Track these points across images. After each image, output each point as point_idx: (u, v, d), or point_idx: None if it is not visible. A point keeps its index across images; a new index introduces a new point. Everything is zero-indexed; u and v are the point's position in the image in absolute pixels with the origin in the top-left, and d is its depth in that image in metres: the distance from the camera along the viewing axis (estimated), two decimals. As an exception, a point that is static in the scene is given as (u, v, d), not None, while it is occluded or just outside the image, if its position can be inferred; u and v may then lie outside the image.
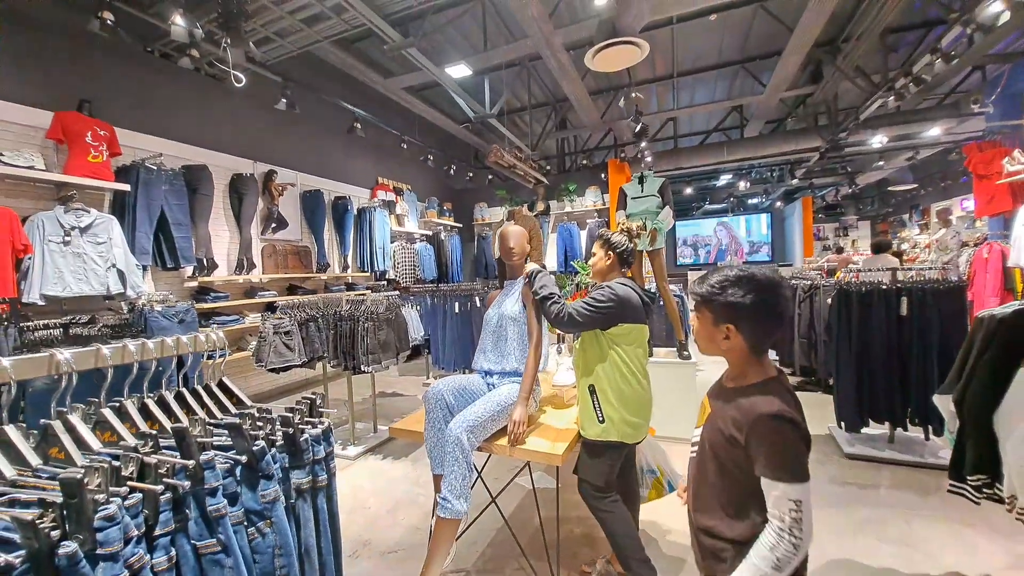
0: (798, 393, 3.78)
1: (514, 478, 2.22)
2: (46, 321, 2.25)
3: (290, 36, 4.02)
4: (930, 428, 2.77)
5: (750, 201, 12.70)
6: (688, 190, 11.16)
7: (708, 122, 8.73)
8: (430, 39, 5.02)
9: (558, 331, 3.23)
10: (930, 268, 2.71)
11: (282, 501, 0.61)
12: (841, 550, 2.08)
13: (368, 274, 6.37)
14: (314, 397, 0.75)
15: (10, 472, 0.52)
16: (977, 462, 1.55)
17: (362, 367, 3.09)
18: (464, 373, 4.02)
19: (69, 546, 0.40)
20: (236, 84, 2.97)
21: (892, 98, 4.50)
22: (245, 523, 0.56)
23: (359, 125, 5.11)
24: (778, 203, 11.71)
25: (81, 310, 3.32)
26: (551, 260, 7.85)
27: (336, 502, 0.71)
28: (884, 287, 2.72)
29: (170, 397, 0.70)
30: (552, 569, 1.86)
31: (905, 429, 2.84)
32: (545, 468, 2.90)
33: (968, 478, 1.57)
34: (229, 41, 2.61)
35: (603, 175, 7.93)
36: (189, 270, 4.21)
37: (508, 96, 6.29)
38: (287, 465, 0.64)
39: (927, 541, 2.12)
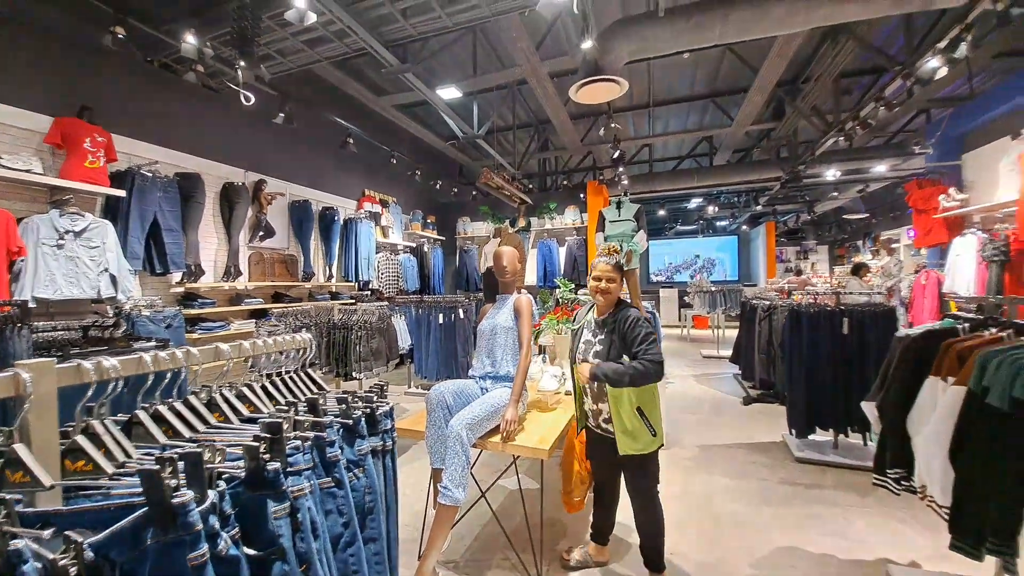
0: (758, 404, 4.16)
1: (500, 477, 2.42)
2: (57, 323, 2.32)
3: (291, 55, 4.19)
4: (868, 434, 3.12)
5: (719, 224, 13.38)
6: (661, 211, 11.71)
7: (681, 149, 9.26)
8: (424, 63, 5.26)
9: (542, 344, 3.46)
10: (869, 293, 3.07)
11: (370, 455, 0.82)
12: (786, 540, 2.35)
13: (352, 284, 6.47)
14: (383, 384, 0.95)
15: (204, 428, 0.70)
16: (894, 458, 1.84)
17: (354, 374, 3.23)
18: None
19: (275, 464, 0.59)
20: (245, 103, 3.12)
21: (842, 138, 5.00)
22: (347, 468, 0.76)
23: (351, 140, 5.27)
24: (744, 226, 12.40)
25: (68, 313, 3.35)
26: (531, 275, 8.11)
27: (396, 462, 0.92)
28: (829, 309, 3.07)
29: (279, 382, 0.90)
30: (536, 559, 2.05)
31: (847, 435, 3.17)
32: (527, 470, 3.10)
33: (888, 472, 1.87)
34: (243, 64, 2.77)
35: (582, 195, 8.30)
36: (177, 276, 4.25)
37: (494, 117, 6.58)
38: (366, 433, 0.84)
39: (862, 533, 2.42)
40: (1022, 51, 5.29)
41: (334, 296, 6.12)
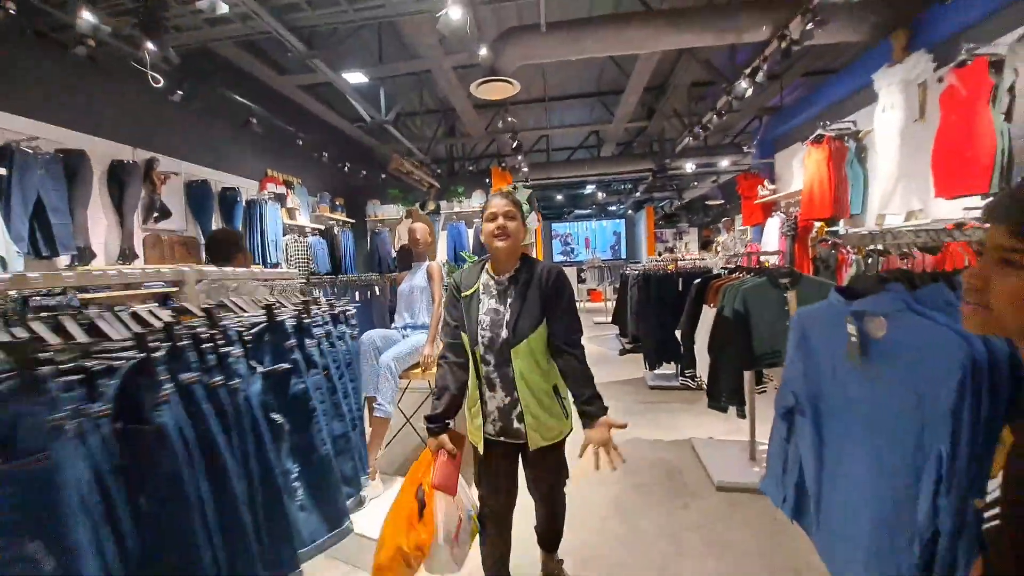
0: (630, 355, 5.36)
1: (421, 405, 2.99)
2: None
3: (188, 31, 4.15)
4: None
5: (610, 208, 14.99)
6: (559, 196, 12.84)
7: (575, 141, 10.30)
8: (331, 48, 5.39)
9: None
10: (693, 259, 4.12)
11: (346, 336, 1.34)
12: (633, 435, 3.27)
13: (260, 267, 6.41)
14: (333, 298, 1.46)
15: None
16: (688, 363, 2.77)
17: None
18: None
19: (307, 319, 1.11)
20: (154, 84, 3.16)
21: (691, 138, 6.21)
22: (338, 338, 1.29)
23: (255, 120, 5.27)
24: (630, 211, 14.07)
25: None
26: (441, 254, 8.58)
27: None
28: (669, 272, 4.08)
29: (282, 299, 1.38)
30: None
31: (683, 374, 4.26)
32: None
33: (685, 373, 2.79)
34: (151, 46, 2.84)
35: (487, 180, 8.91)
36: (65, 259, 4.06)
37: (402, 104, 6.86)
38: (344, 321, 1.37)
39: (682, 424, 3.42)
40: (820, 71, 6.96)
41: (241, 279, 6.05)
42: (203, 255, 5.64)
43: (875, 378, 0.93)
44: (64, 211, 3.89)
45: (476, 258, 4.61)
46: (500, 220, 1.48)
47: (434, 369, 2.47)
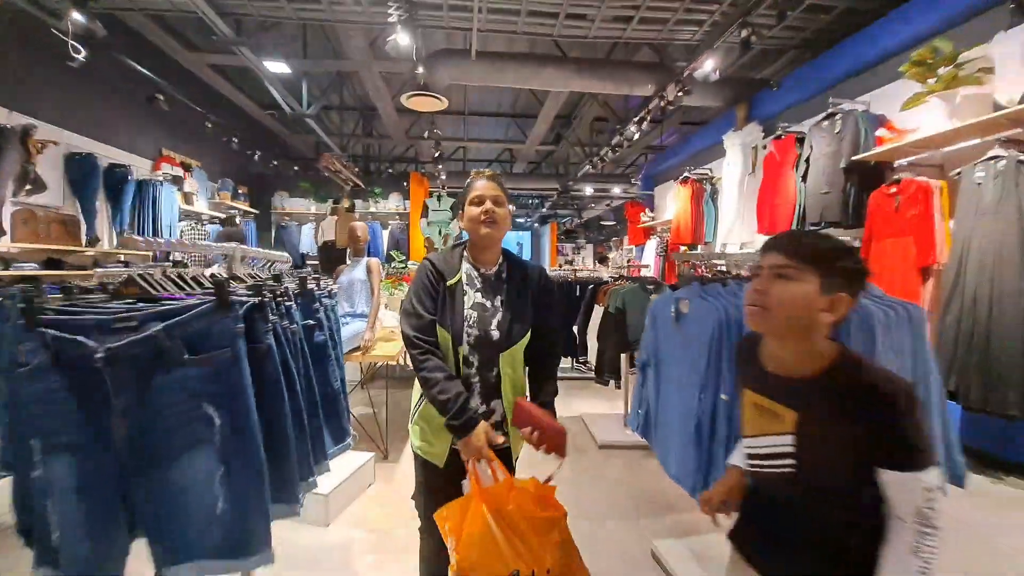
0: None
1: (361, 382, 3.27)
2: None
3: (97, -3, 3.89)
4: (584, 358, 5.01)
5: (517, 220, 16.00)
6: (473, 204, 13.42)
7: (491, 154, 10.97)
8: (255, 37, 5.28)
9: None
10: (590, 271, 4.92)
11: (335, 307, 1.67)
12: (537, 413, 3.89)
13: (148, 254, 5.90)
14: (318, 276, 1.76)
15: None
16: (582, 350, 3.47)
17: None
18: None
19: (314, 289, 1.45)
20: (75, 54, 2.98)
21: (590, 166, 7.21)
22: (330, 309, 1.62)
23: (162, 97, 4.96)
24: (536, 224, 15.21)
25: None
26: (354, 253, 8.56)
27: (339, 312, 1.79)
28: (571, 280, 4.83)
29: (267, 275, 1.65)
30: (385, 441, 3.02)
31: (578, 360, 5.03)
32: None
33: (579, 359, 3.48)
34: (78, 16, 2.71)
35: (405, 183, 9.13)
36: (-88, 228, 3.52)
37: (323, 99, 6.85)
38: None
39: (578, 405, 4.12)
40: (693, 122, 8.47)
41: (126, 265, 5.53)
42: (83, 235, 5.09)
43: (684, 337, 1.60)
44: (-81, 175, 3.39)
45: (402, 254, 4.94)
46: (488, 204, 1.29)
47: (373, 351, 2.82)
